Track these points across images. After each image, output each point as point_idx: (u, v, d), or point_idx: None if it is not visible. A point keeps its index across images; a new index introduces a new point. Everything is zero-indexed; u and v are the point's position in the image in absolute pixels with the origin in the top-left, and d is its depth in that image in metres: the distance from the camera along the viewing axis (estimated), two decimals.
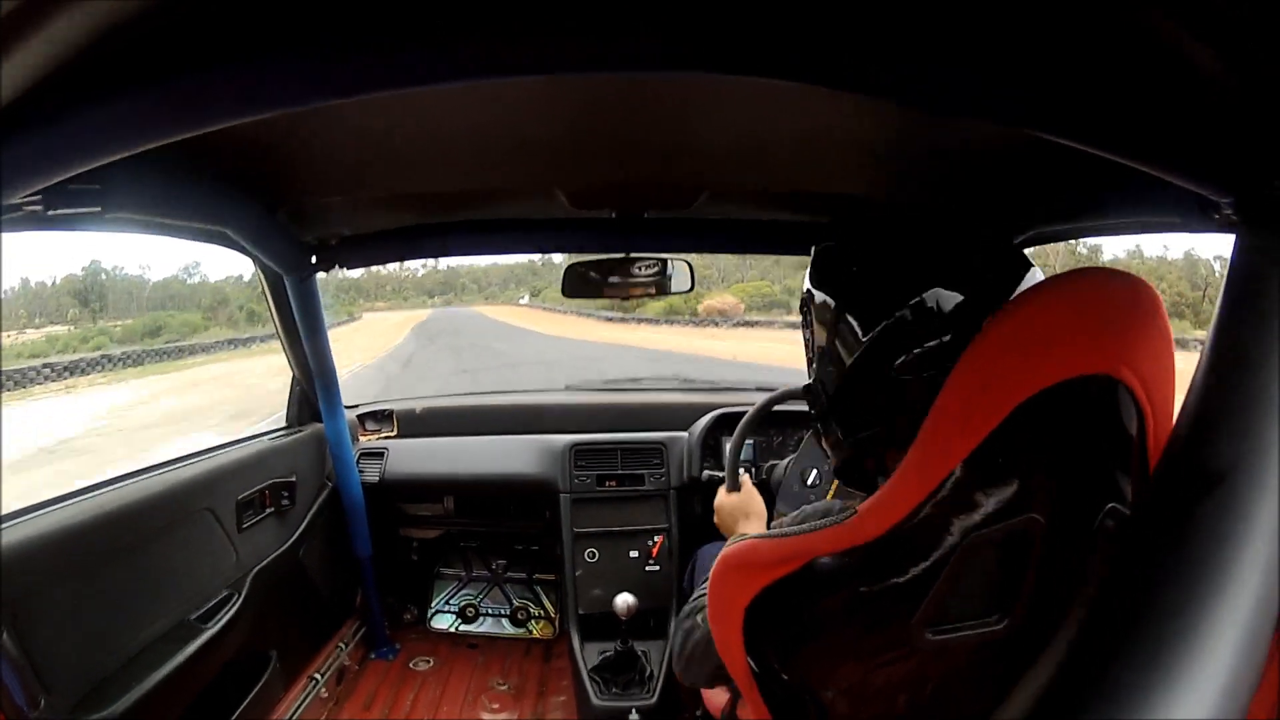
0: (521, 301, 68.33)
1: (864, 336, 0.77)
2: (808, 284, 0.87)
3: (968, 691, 0.72)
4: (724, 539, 1.25)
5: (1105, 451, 0.67)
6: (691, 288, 1.73)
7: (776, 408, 1.49)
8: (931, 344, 0.72)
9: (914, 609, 0.69)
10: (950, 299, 0.72)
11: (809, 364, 0.89)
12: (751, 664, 0.82)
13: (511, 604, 2.55)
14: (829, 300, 0.82)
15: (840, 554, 0.71)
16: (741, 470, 1.42)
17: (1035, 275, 0.75)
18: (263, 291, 1.80)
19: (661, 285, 1.71)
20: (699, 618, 0.97)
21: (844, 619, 0.74)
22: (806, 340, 0.89)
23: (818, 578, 0.73)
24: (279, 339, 1.94)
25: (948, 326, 0.71)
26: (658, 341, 22.81)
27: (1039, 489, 0.66)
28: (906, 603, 0.69)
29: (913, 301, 0.73)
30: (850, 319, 0.79)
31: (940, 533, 0.67)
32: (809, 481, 1.55)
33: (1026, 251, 0.98)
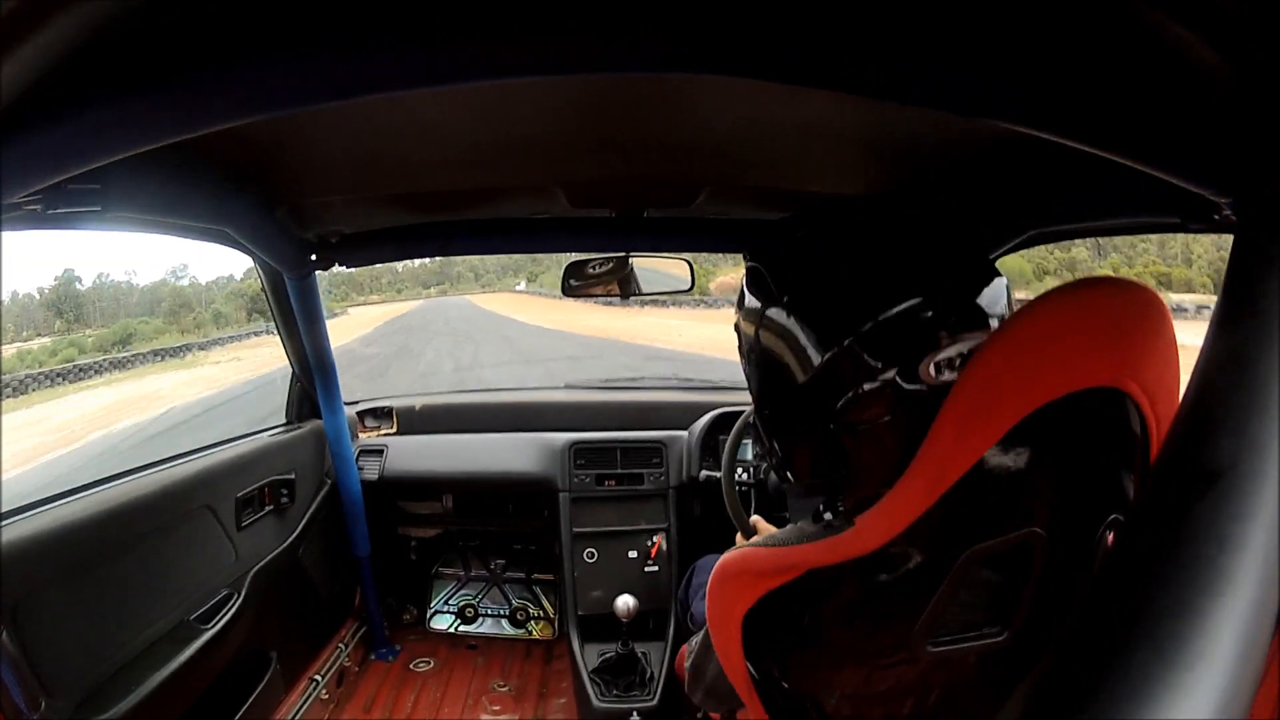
0: (518, 288, 67.33)
1: (810, 360, 0.73)
2: (745, 297, 0.82)
3: (973, 700, 0.72)
4: (721, 549, 1.22)
5: (1109, 463, 0.67)
6: (691, 287, 1.73)
7: None
8: (870, 387, 0.69)
9: (913, 621, 0.68)
10: (902, 317, 0.68)
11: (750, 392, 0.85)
12: (751, 671, 0.82)
13: (511, 604, 2.54)
14: (768, 314, 0.78)
15: (837, 565, 0.70)
16: (743, 474, 1.40)
17: (999, 286, 0.72)
18: (262, 289, 1.80)
19: (660, 284, 1.71)
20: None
21: (842, 630, 0.73)
22: (745, 372, 0.85)
23: (815, 588, 0.72)
24: (279, 335, 1.94)
25: (892, 359, 0.68)
26: (663, 335, 21.09)
27: (1042, 501, 0.65)
28: (905, 614, 0.68)
29: (863, 328, 0.69)
30: (798, 339, 0.75)
31: (940, 546, 0.66)
32: None
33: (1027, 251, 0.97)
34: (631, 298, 1.75)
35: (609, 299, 1.77)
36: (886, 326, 0.68)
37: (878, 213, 0.85)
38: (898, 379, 0.67)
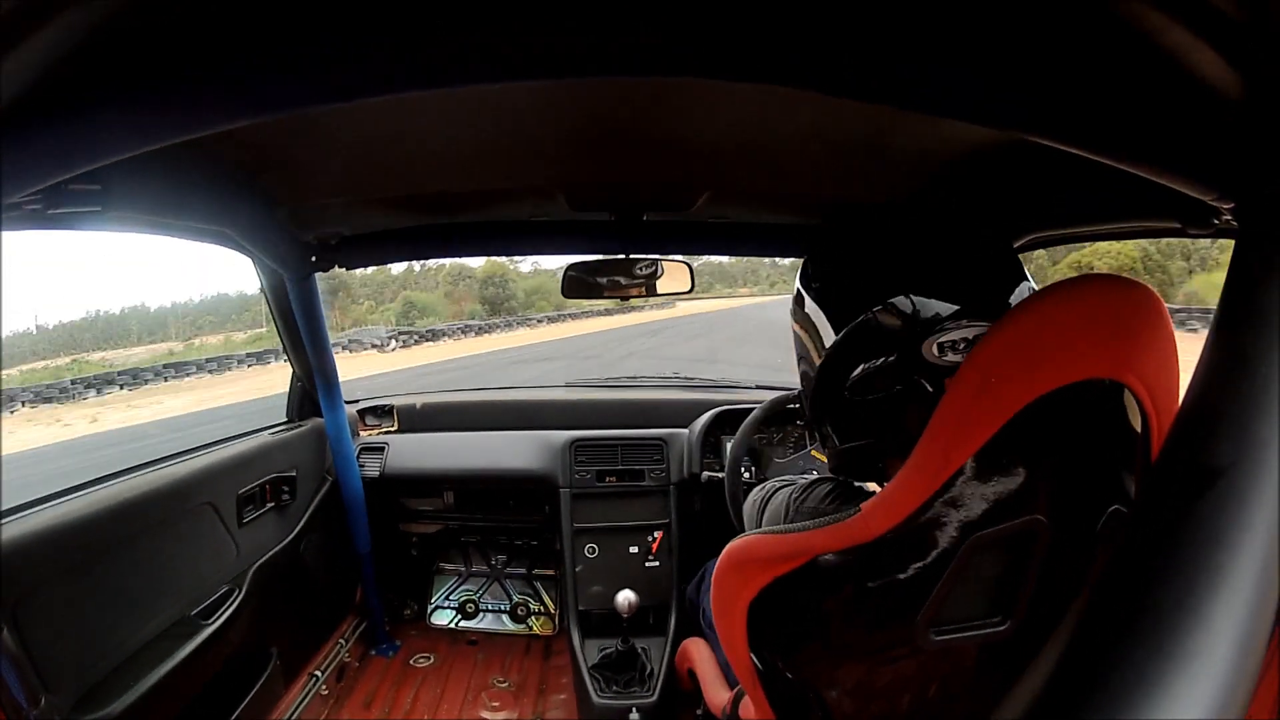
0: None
1: (827, 344, 0.78)
2: (798, 283, 0.87)
3: (972, 692, 0.72)
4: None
5: (1110, 454, 0.68)
6: (691, 289, 1.73)
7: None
8: (877, 362, 0.73)
9: (916, 609, 0.69)
10: (928, 306, 0.72)
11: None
12: (755, 661, 0.83)
13: (511, 600, 2.55)
14: (806, 301, 0.83)
15: (843, 552, 0.71)
16: (746, 474, 1.40)
17: (1024, 290, 0.74)
18: (262, 290, 1.80)
19: (659, 286, 1.71)
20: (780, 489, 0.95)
21: (846, 618, 0.74)
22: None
23: (820, 575, 0.73)
24: (279, 336, 1.94)
25: (896, 343, 0.72)
26: None
27: (1043, 491, 0.66)
28: (909, 602, 0.69)
29: (875, 308, 0.73)
30: (819, 323, 0.80)
31: (944, 533, 0.67)
32: None
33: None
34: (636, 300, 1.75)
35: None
36: (896, 308, 0.72)
37: (914, 215, 0.86)
38: (902, 356, 0.72)
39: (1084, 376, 0.62)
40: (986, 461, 0.65)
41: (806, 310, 0.83)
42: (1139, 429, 0.66)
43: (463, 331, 26.69)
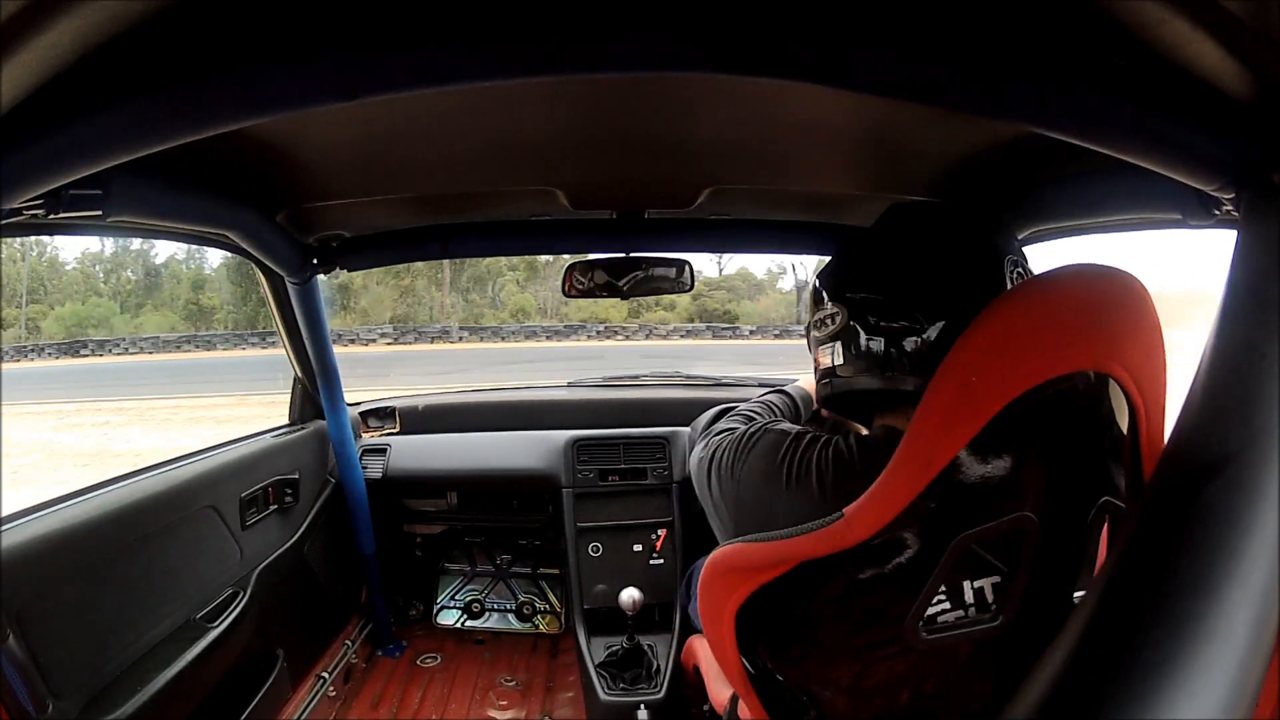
0: None
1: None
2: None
3: (969, 687, 0.72)
4: None
5: (1097, 446, 0.68)
6: (691, 287, 1.73)
7: None
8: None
9: (906, 608, 0.69)
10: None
11: None
12: (745, 664, 0.83)
13: (517, 599, 2.55)
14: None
15: (828, 557, 0.71)
16: None
17: None
18: (263, 292, 1.80)
19: (661, 285, 1.71)
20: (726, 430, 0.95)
21: (835, 620, 0.74)
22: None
23: (807, 580, 0.73)
24: (281, 338, 1.94)
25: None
26: None
27: (1030, 487, 0.66)
28: (898, 602, 0.69)
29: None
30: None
31: (930, 535, 0.67)
32: None
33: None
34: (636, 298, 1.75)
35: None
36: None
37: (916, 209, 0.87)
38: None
39: (1067, 370, 0.62)
40: (970, 462, 0.64)
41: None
42: (1126, 419, 0.66)
43: None
